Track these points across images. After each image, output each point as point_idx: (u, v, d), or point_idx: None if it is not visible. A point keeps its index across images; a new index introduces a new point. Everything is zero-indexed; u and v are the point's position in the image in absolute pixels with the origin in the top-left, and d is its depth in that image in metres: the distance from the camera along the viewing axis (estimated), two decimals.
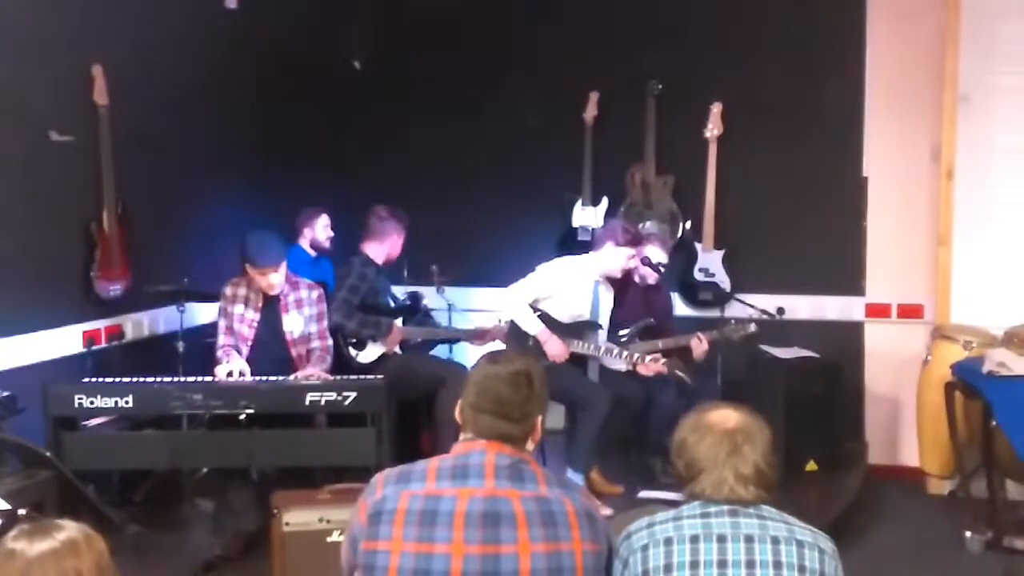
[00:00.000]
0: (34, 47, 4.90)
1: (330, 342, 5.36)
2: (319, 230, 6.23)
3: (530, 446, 2.53)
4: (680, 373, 5.57)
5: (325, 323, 5.36)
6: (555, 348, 5.39)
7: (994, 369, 5.09)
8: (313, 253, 6.28)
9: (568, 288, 5.50)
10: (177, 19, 5.80)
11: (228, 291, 5.26)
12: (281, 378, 5.01)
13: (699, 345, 5.67)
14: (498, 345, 5.69)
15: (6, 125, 4.78)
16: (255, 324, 5.25)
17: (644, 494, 5.32)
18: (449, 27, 6.89)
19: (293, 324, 5.27)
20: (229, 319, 5.24)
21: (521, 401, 2.49)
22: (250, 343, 5.24)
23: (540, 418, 2.55)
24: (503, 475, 2.42)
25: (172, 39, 5.75)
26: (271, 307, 5.26)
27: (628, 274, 5.80)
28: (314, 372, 5.09)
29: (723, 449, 2.38)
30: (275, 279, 5.15)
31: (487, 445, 2.47)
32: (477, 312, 6.30)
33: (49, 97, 5.01)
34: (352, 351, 5.63)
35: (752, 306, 6.02)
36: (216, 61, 6.13)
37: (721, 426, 2.41)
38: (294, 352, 5.27)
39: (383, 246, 5.79)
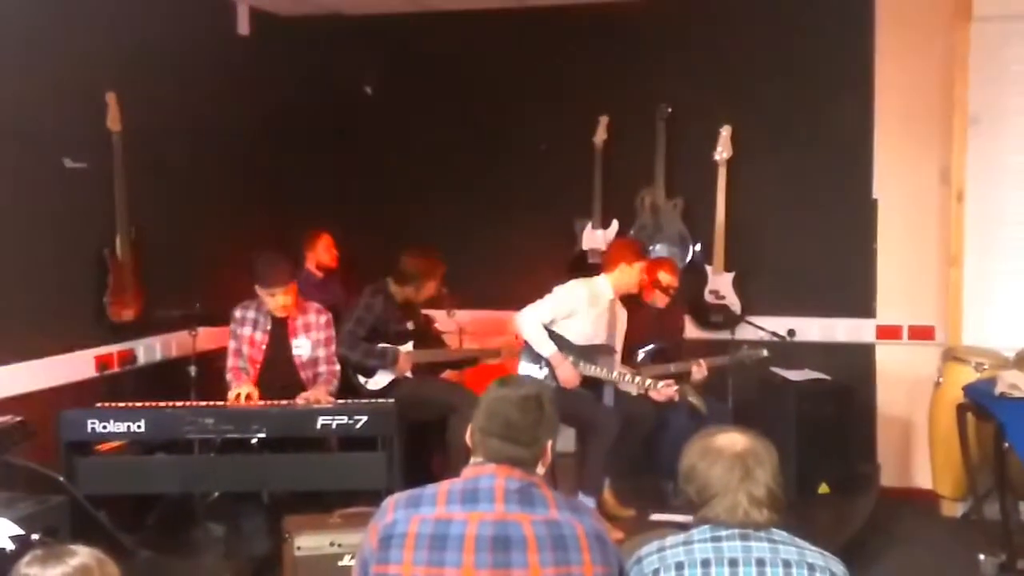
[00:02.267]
0: (48, 74, 4.95)
1: (337, 366, 5.39)
2: (321, 251, 6.27)
3: (540, 470, 2.53)
4: (692, 399, 5.58)
5: (333, 347, 5.38)
6: (566, 373, 5.38)
7: (1006, 391, 5.06)
8: (320, 275, 6.31)
9: (585, 309, 5.49)
10: (190, 46, 5.86)
11: (237, 314, 5.32)
12: (290, 401, 5.03)
13: (699, 371, 5.68)
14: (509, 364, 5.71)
15: (20, 152, 4.82)
16: (264, 347, 5.29)
17: (656, 517, 5.30)
18: (459, 52, 6.93)
19: (301, 348, 5.31)
20: (238, 341, 5.30)
21: (531, 425, 2.50)
22: (259, 365, 5.28)
23: (550, 442, 2.55)
24: (513, 499, 2.42)
25: (185, 66, 5.80)
26: (280, 330, 5.30)
27: (639, 296, 5.81)
28: (315, 395, 5.11)
29: (735, 474, 2.37)
30: (284, 300, 5.20)
31: (496, 469, 2.47)
32: (487, 336, 6.29)
33: (63, 124, 5.07)
34: (360, 379, 5.62)
35: (763, 328, 6.01)
36: (228, 88, 6.18)
37: (731, 450, 2.40)
38: (303, 375, 5.30)
39: (402, 290, 5.72)
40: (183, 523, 4.91)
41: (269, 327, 5.30)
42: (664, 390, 5.49)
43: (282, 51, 6.60)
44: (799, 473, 5.59)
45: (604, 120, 6.61)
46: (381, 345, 5.63)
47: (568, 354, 5.41)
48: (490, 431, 2.50)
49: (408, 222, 6.34)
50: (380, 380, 5.64)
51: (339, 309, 5.78)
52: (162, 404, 4.88)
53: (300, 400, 5.05)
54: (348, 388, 5.52)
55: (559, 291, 5.52)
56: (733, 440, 2.42)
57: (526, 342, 5.49)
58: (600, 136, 6.62)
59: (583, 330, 5.48)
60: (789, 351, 6.06)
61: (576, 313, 5.46)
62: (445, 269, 5.74)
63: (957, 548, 5.43)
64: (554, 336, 5.42)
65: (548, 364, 5.40)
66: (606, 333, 5.56)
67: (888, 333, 6.37)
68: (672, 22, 6.56)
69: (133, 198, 5.32)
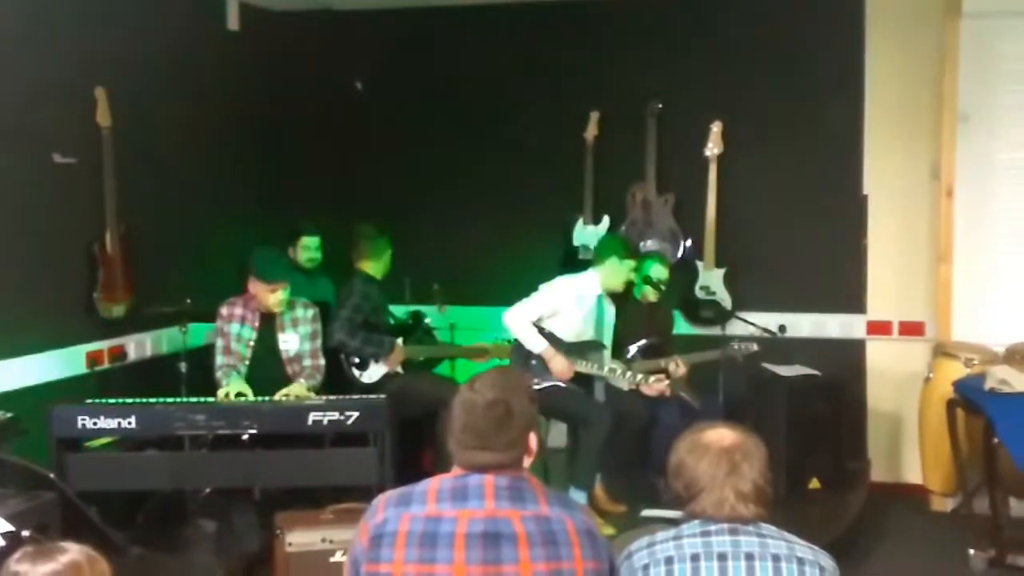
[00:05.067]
0: (37, 70, 4.94)
1: (322, 361, 5.39)
2: (298, 251, 6.13)
3: (527, 463, 2.53)
4: (684, 394, 5.59)
5: (319, 342, 5.39)
6: (559, 366, 5.39)
7: (995, 386, 5.09)
8: (305, 272, 6.22)
9: (573, 306, 5.51)
10: (179, 41, 5.84)
11: (224, 311, 5.31)
12: (270, 398, 5.03)
13: (676, 370, 5.68)
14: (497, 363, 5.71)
15: (10, 147, 4.81)
16: (252, 343, 5.28)
17: (647, 512, 5.31)
18: (450, 48, 6.93)
19: (289, 343, 5.31)
20: (226, 339, 5.29)
21: (500, 431, 2.44)
22: (248, 362, 5.27)
23: (531, 435, 2.52)
24: (503, 495, 2.42)
25: (174, 61, 5.78)
26: (268, 326, 5.30)
27: (629, 291, 5.81)
28: (293, 390, 5.10)
29: (722, 468, 2.38)
30: (284, 295, 5.21)
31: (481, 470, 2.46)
32: (478, 331, 6.30)
33: (52, 119, 5.05)
34: (356, 371, 5.64)
35: (753, 324, 6.02)
36: (218, 83, 6.17)
37: (718, 445, 2.41)
38: (289, 370, 5.30)
39: (379, 262, 5.81)
40: (174, 519, 4.91)
41: (258, 323, 5.30)
42: (655, 385, 5.51)
43: (272, 46, 6.58)
44: (790, 468, 5.61)
45: (595, 116, 6.61)
46: (377, 335, 5.66)
47: (559, 350, 5.42)
48: (464, 443, 2.47)
49: (398, 217, 6.33)
50: (374, 373, 5.66)
51: (327, 307, 5.78)
52: (153, 400, 4.87)
53: (279, 396, 5.05)
54: (341, 381, 5.52)
55: (545, 289, 5.53)
56: (721, 435, 2.44)
57: (516, 340, 5.49)
58: (591, 132, 6.62)
59: (571, 327, 5.50)
60: (780, 347, 6.08)
61: (562, 311, 5.47)
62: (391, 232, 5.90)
63: (947, 543, 5.44)
64: (544, 333, 5.43)
65: (540, 360, 5.40)
66: (595, 329, 5.57)
67: (878, 329, 6.39)
68: (662, 18, 6.56)
69: (122, 193, 5.31)
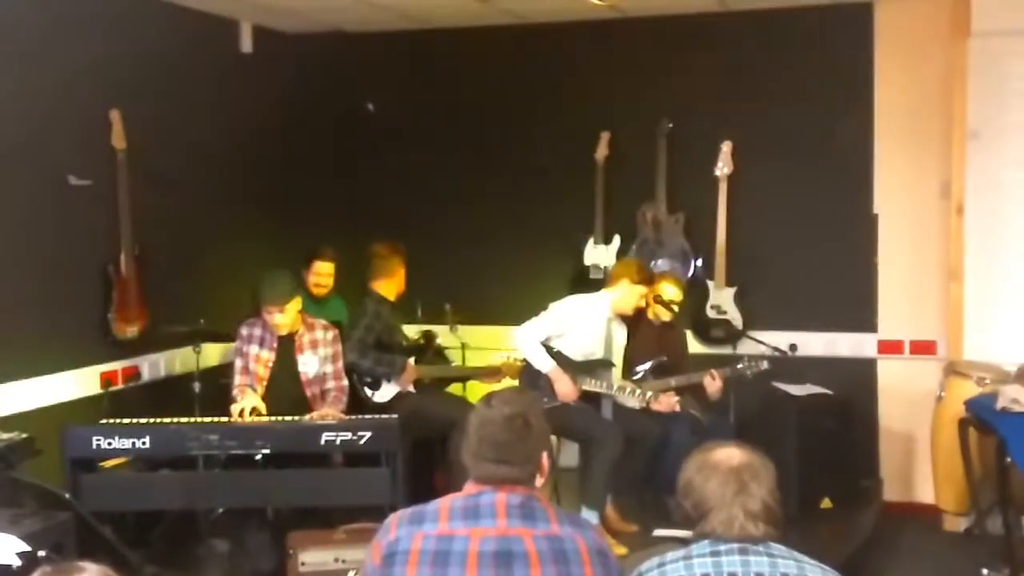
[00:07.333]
0: (53, 92, 5.00)
1: (345, 383, 5.40)
2: (311, 275, 6.10)
3: (539, 482, 2.55)
4: (694, 411, 5.59)
5: (341, 364, 5.41)
6: (565, 387, 5.39)
7: (1008, 405, 5.07)
8: (317, 294, 6.20)
9: (581, 326, 5.52)
10: (194, 64, 5.90)
11: (244, 331, 5.34)
12: (296, 418, 5.05)
13: (712, 383, 5.69)
14: (510, 383, 5.73)
15: (26, 169, 4.87)
16: (270, 364, 5.31)
17: (659, 532, 5.29)
18: (460, 69, 6.97)
19: (308, 364, 5.32)
20: (245, 359, 5.31)
21: (520, 444, 2.50)
22: (265, 383, 5.29)
23: (544, 454, 2.56)
24: (515, 514, 2.44)
25: (189, 84, 5.84)
26: (286, 347, 5.32)
27: (641, 312, 5.82)
28: (329, 412, 5.13)
29: (730, 487, 2.39)
30: (281, 319, 5.21)
31: (497, 485, 2.49)
32: (490, 351, 6.32)
33: (68, 141, 5.11)
34: (368, 391, 5.66)
35: (764, 343, 6.03)
36: (232, 105, 6.22)
37: (726, 464, 2.42)
38: (308, 392, 5.32)
39: (392, 282, 5.84)
40: (187, 539, 4.92)
41: (276, 344, 5.32)
42: (665, 399, 5.51)
43: (284, 68, 6.64)
44: (801, 488, 5.59)
45: (605, 136, 6.64)
46: (388, 355, 5.68)
47: (567, 370, 5.43)
48: (482, 455, 2.51)
49: (410, 238, 6.36)
50: (385, 393, 5.67)
51: (342, 328, 5.80)
52: (166, 420, 4.90)
53: (309, 419, 5.07)
54: (354, 401, 5.54)
55: (554, 308, 5.54)
56: (730, 455, 2.44)
57: (525, 359, 5.51)
58: (601, 152, 6.65)
59: (580, 346, 5.51)
60: (791, 366, 6.08)
61: (571, 330, 5.48)
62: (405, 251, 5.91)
63: (960, 563, 5.42)
64: (553, 352, 5.44)
65: (547, 380, 5.41)
66: (603, 348, 5.58)
67: (890, 348, 6.38)
68: (672, 37, 6.59)
69: (137, 215, 5.36)
